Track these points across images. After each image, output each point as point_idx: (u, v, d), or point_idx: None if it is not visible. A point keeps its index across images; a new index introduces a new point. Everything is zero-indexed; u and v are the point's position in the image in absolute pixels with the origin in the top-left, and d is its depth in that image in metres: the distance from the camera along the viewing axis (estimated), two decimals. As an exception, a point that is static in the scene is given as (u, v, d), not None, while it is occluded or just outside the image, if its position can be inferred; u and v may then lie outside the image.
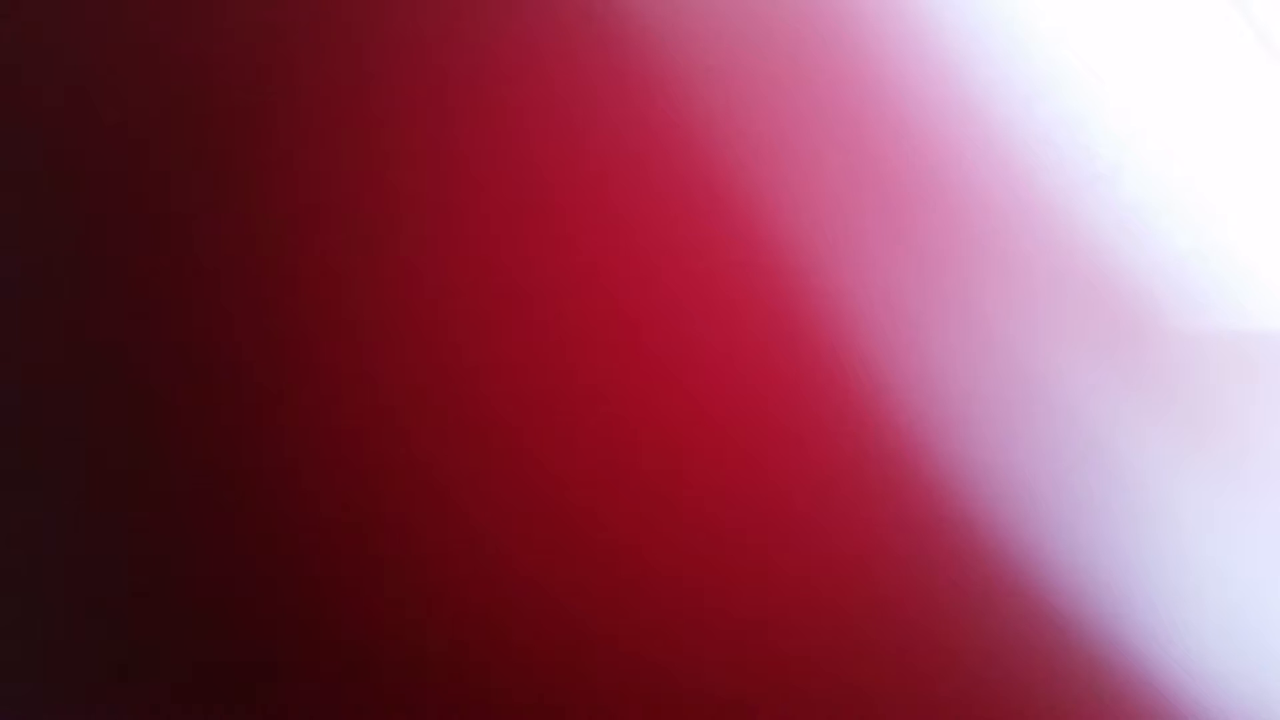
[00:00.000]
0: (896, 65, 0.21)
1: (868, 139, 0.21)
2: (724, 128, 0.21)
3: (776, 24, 0.21)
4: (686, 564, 0.20)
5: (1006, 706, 0.20)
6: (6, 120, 0.21)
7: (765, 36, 0.21)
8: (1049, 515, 0.21)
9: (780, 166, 0.21)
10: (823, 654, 0.20)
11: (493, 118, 0.21)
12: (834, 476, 0.20)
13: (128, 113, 0.21)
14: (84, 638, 0.21)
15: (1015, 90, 0.22)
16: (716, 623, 0.20)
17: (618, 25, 0.21)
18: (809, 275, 0.21)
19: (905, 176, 0.21)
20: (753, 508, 0.20)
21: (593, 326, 0.20)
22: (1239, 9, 0.24)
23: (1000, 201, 0.21)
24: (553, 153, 0.21)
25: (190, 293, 0.21)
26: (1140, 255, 0.22)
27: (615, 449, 0.20)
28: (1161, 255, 0.22)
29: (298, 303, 0.20)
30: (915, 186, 0.21)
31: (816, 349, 0.20)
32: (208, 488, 0.21)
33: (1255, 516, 0.22)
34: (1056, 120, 0.22)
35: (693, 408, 0.20)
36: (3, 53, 0.21)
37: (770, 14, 0.21)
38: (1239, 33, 0.24)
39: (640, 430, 0.20)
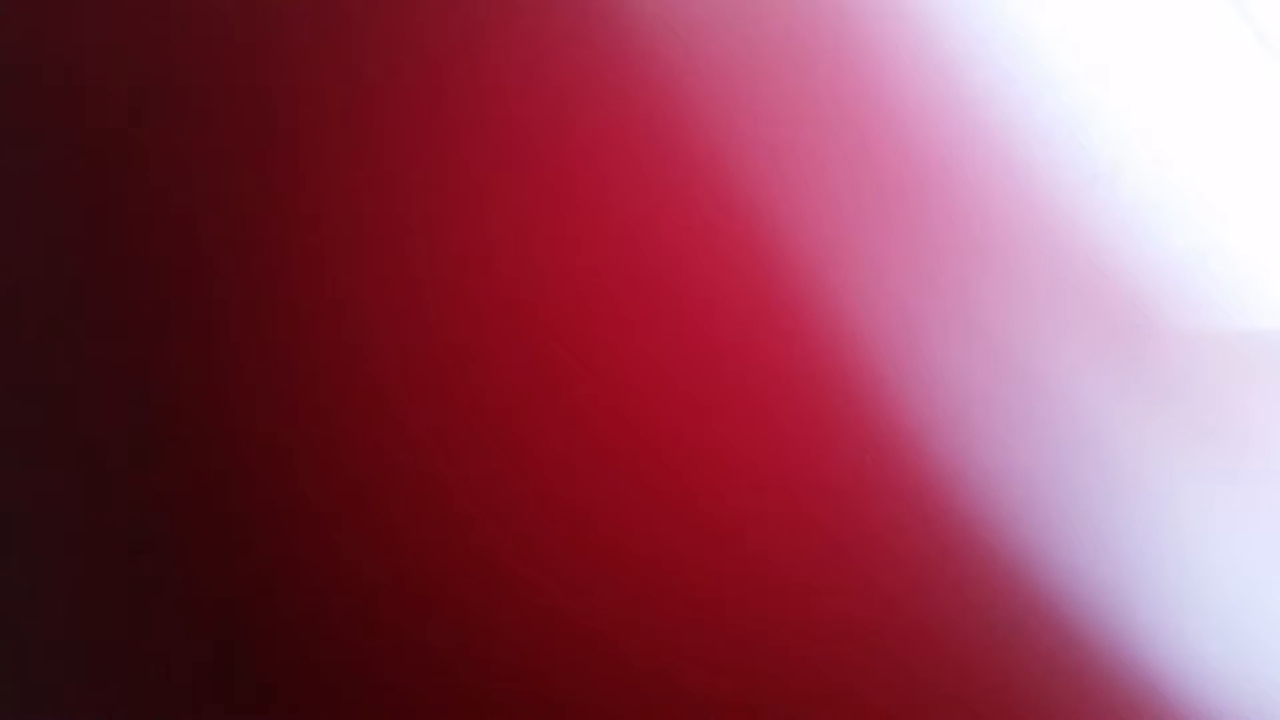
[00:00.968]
0: (897, 65, 0.21)
1: (868, 140, 0.21)
2: (725, 128, 0.21)
3: (777, 25, 0.21)
4: (688, 565, 0.20)
5: (1007, 706, 0.21)
6: (7, 120, 0.21)
7: (766, 38, 0.21)
8: (1050, 515, 0.21)
9: (781, 167, 0.21)
10: (824, 654, 0.20)
11: (493, 118, 0.21)
12: (834, 477, 0.20)
13: (128, 113, 0.21)
14: (84, 638, 0.21)
15: (1015, 90, 0.22)
16: (719, 624, 0.20)
17: (618, 26, 0.21)
18: (810, 275, 0.21)
19: (905, 177, 0.21)
20: (754, 508, 0.20)
21: (593, 327, 0.20)
22: (1238, 9, 0.24)
23: (1000, 201, 0.21)
24: (553, 153, 0.21)
25: (190, 293, 0.21)
26: (1140, 255, 0.22)
27: (615, 449, 0.20)
28: (1161, 255, 0.22)
29: (298, 303, 0.20)
30: (916, 186, 0.21)
31: (817, 349, 0.20)
32: (208, 487, 0.21)
33: (1255, 515, 0.22)
34: (1056, 120, 0.22)
35: (693, 408, 0.20)
36: (3, 53, 0.21)
37: (771, 16, 0.21)
38: (1238, 32, 0.24)
39: (641, 431, 0.20)
